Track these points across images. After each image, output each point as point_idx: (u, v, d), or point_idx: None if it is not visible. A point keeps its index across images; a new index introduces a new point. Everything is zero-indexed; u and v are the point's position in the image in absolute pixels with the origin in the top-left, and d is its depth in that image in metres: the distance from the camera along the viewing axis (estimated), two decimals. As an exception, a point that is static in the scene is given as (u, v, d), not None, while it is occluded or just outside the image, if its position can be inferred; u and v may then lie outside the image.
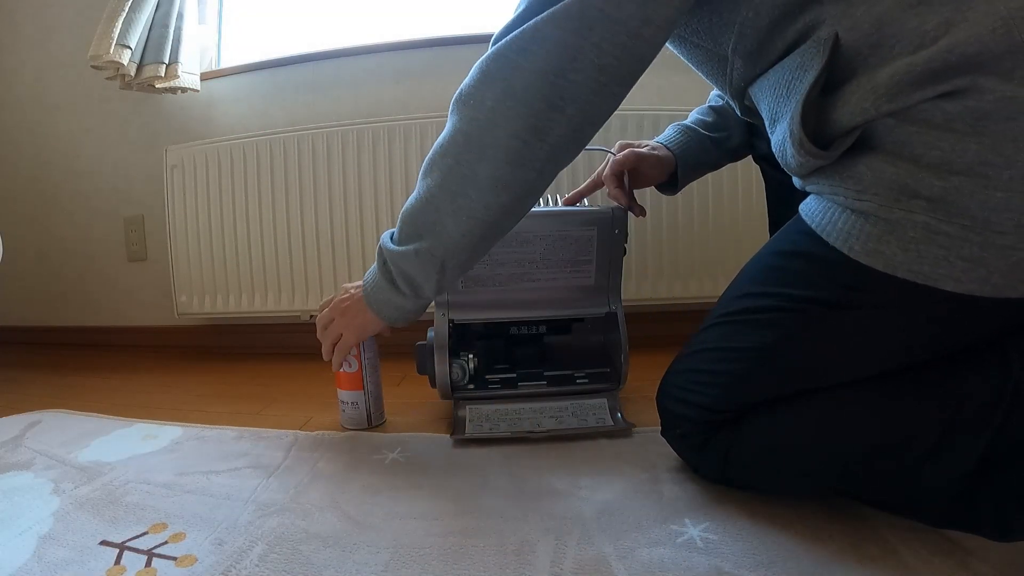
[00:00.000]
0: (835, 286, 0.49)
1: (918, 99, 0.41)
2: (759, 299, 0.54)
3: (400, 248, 0.60)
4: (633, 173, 0.80)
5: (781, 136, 0.50)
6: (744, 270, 0.61)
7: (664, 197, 1.20)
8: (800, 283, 0.51)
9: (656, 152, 0.79)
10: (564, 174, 1.21)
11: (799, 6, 0.47)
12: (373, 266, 0.65)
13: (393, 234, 0.62)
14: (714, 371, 0.57)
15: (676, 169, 0.80)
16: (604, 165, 0.82)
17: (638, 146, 0.80)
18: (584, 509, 0.57)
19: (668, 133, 0.83)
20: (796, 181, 0.55)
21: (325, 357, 0.74)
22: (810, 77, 0.45)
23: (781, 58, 0.50)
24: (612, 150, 0.81)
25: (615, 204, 0.81)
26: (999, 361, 0.47)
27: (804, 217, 0.52)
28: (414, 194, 0.58)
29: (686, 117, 0.84)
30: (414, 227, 0.58)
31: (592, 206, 0.83)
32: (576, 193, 0.84)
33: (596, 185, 0.84)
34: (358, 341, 0.73)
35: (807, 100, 0.45)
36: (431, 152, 0.57)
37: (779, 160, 0.53)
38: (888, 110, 0.43)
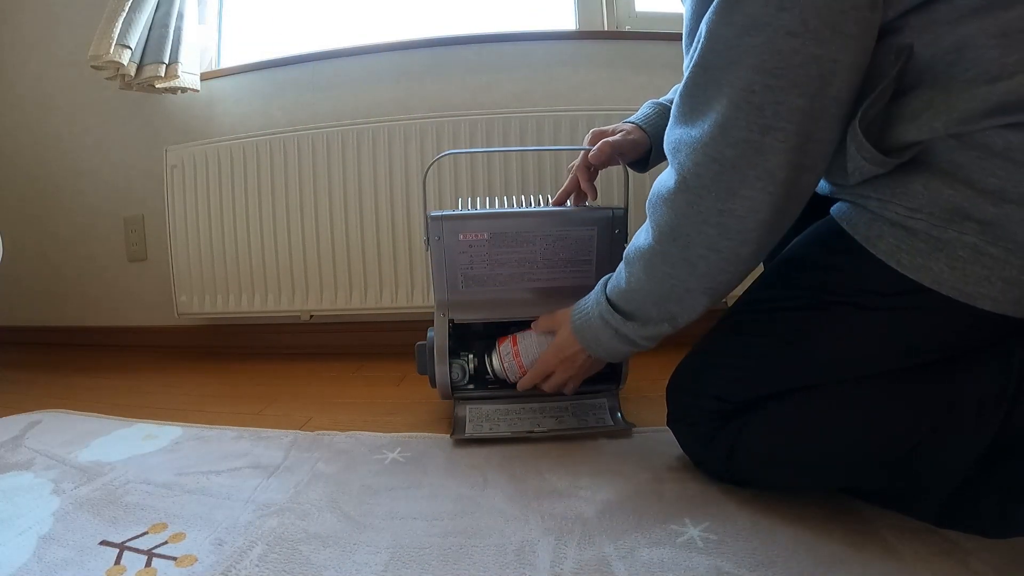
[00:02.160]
0: (868, 291, 0.50)
1: (985, 125, 0.42)
2: (787, 297, 0.56)
3: (650, 329, 0.60)
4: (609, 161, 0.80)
5: None
6: (771, 268, 0.62)
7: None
8: (832, 284, 0.52)
9: (630, 136, 0.78)
10: (549, 173, 1.21)
11: (886, 23, 0.46)
12: (589, 329, 0.65)
13: (621, 310, 0.61)
14: (733, 361, 0.58)
15: (649, 150, 0.80)
16: (578, 159, 0.82)
17: (611, 133, 0.79)
18: (584, 509, 0.57)
19: (644, 111, 0.82)
20: (821, 187, 0.56)
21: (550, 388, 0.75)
22: (876, 85, 0.45)
23: None
24: (589, 147, 0.79)
25: (615, 205, 0.81)
26: (1002, 356, 0.48)
27: (846, 227, 0.52)
28: (647, 280, 0.58)
29: None
30: (663, 309, 0.58)
31: (593, 206, 0.83)
32: (562, 192, 0.84)
33: (577, 179, 0.83)
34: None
35: (873, 106, 0.45)
36: (660, 246, 0.55)
37: None
38: (955, 132, 0.43)
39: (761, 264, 0.73)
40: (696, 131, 0.50)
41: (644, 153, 0.80)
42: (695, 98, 0.50)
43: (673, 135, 0.53)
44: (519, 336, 0.79)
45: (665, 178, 0.55)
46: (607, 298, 0.63)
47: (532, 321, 0.81)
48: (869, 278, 0.50)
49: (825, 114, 0.46)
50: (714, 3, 0.47)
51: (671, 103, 0.80)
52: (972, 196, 0.43)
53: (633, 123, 0.80)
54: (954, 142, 0.44)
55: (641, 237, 0.58)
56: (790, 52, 0.44)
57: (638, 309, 0.60)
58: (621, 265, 0.62)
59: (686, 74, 0.51)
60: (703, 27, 0.48)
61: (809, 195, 0.50)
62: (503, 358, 0.79)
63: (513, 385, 0.80)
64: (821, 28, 0.43)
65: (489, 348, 0.82)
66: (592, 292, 0.67)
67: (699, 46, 0.48)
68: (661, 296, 0.57)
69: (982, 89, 0.42)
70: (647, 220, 0.57)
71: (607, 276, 0.66)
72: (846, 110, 0.47)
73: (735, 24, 0.45)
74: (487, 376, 0.81)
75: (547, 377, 0.73)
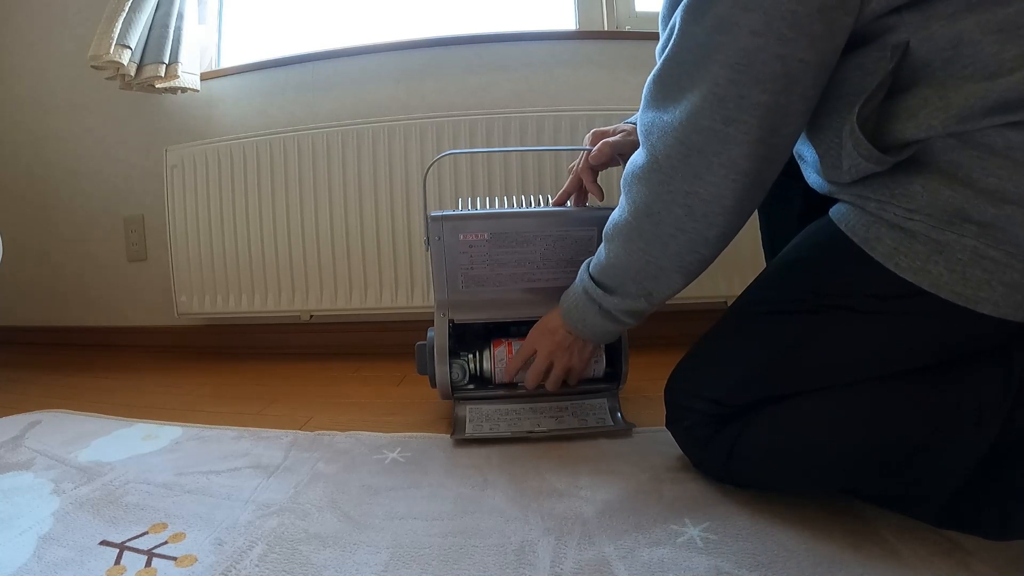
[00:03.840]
0: (866, 295, 0.50)
1: (985, 124, 0.42)
2: (783, 300, 0.56)
3: (628, 303, 0.62)
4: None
5: (828, 135, 0.51)
6: (768, 270, 0.62)
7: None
8: (829, 287, 0.52)
9: (631, 137, 0.78)
10: (549, 174, 1.21)
11: (880, 21, 0.47)
12: (575, 307, 0.68)
13: (602, 284, 0.64)
14: (730, 364, 0.58)
15: None
16: (579, 160, 0.82)
17: (611, 133, 0.79)
18: (584, 509, 0.57)
19: None
20: (820, 186, 0.56)
21: (554, 388, 0.77)
22: (872, 82, 0.45)
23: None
24: (590, 148, 0.79)
25: (615, 205, 0.80)
26: (1003, 360, 0.47)
27: (844, 229, 0.51)
28: (625, 255, 0.60)
29: None
30: (639, 284, 0.61)
31: (593, 206, 0.83)
32: (563, 193, 0.84)
33: (579, 180, 0.83)
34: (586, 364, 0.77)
35: (869, 103, 0.46)
36: (635, 221, 0.57)
37: (818, 159, 0.54)
38: (955, 131, 0.43)
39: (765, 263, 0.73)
40: (667, 116, 0.52)
41: None
42: (667, 87, 0.52)
43: (646, 118, 0.56)
44: (515, 345, 0.81)
45: (638, 158, 0.57)
46: (589, 275, 0.65)
47: (532, 322, 0.81)
48: (867, 281, 0.49)
49: (791, 110, 0.48)
50: (685, 2, 0.49)
51: None
52: (972, 197, 0.43)
53: (633, 124, 0.80)
54: (954, 141, 0.43)
55: (617, 213, 0.61)
56: (754, 50, 0.46)
57: (619, 284, 0.62)
58: (601, 245, 0.64)
59: (659, 63, 0.54)
60: (676, 21, 0.50)
61: (772, 182, 0.53)
62: (496, 363, 0.81)
63: (510, 385, 0.81)
64: (784, 29, 0.44)
65: (483, 347, 0.83)
66: (577, 276, 0.69)
67: (672, 40, 0.51)
68: (638, 271, 0.60)
69: (980, 86, 0.41)
70: (622, 197, 0.60)
71: (588, 259, 0.68)
72: (812, 105, 0.49)
73: (705, 23, 0.47)
74: (477, 374, 0.83)
75: (528, 363, 0.75)
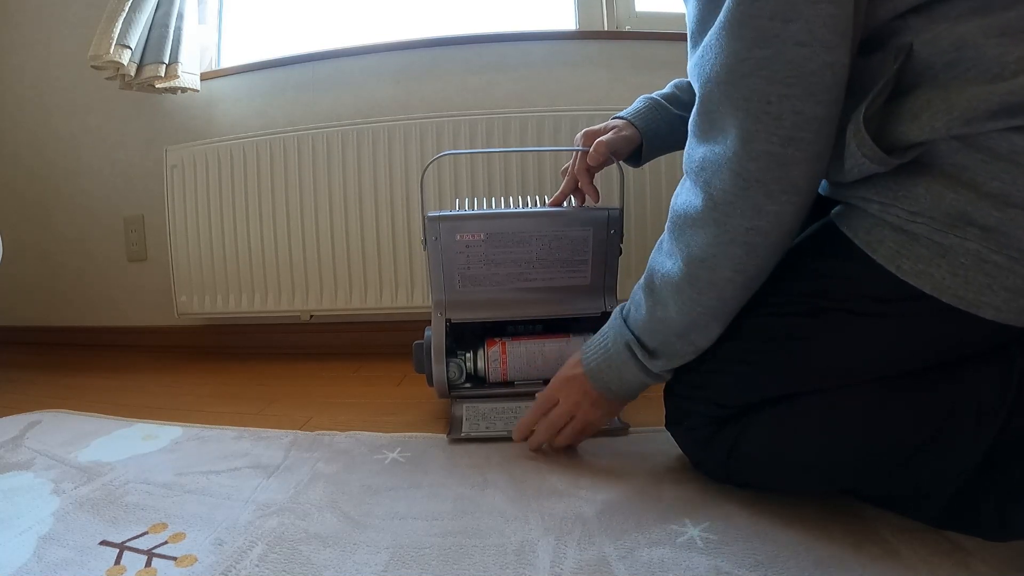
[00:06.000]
0: (866, 297, 0.49)
1: (990, 128, 0.41)
2: (783, 301, 0.55)
3: (677, 361, 0.59)
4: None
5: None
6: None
7: (663, 197, 1.21)
8: (830, 289, 0.52)
9: (623, 133, 0.78)
10: (549, 174, 1.22)
11: (886, 25, 0.47)
12: (609, 365, 0.62)
13: (646, 344, 0.59)
14: (729, 366, 0.57)
15: (641, 145, 0.79)
16: (574, 161, 0.81)
17: (602, 131, 0.79)
18: (584, 509, 0.57)
19: (636, 106, 0.81)
20: (822, 187, 0.55)
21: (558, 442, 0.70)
22: (877, 83, 0.45)
23: None
24: (587, 149, 0.79)
25: (611, 206, 0.81)
26: (1003, 362, 0.47)
27: (845, 231, 0.51)
28: (675, 310, 0.55)
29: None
30: (686, 339, 0.57)
31: (589, 206, 0.83)
32: (560, 194, 0.84)
33: (575, 181, 0.83)
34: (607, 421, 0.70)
35: (873, 103, 0.45)
36: (688, 269, 0.53)
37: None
38: (959, 133, 0.43)
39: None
40: (719, 147, 0.49)
41: (636, 148, 0.80)
42: (712, 114, 0.49)
43: (696, 153, 0.52)
44: (508, 344, 0.82)
45: (690, 198, 0.53)
46: (633, 333, 0.60)
47: (528, 321, 0.82)
48: (868, 283, 0.49)
49: (838, 118, 0.47)
50: (720, 18, 0.47)
51: (665, 97, 0.81)
52: (975, 200, 0.43)
53: (623, 118, 0.80)
54: (958, 144, 0.43)
55: (667, 263, 0.56)
56: (801, 61, 0.44)
57: (664, 344, 0.58)
58: (639, 296, 0.59)
59: (700, 92, 0.51)
60: (713, 42, 0.48)
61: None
62: (489, 363, 0.82)
63: (505, 383, 0.82)
64: (829, 36, 0.43)
65: (476, 346, 0.83)
66: (607, 328, 0.64)
67: (710, 63, 0.48)
68: (687, 326, 0.56)
69: (983, 88, 0.41)
70: (670, 244, 0.56)
71: (620, 306, 0.63)
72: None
73: (744, 38, 0.45)
74: (474, 373, 0.84)
75: (548, 412, 0.69)
